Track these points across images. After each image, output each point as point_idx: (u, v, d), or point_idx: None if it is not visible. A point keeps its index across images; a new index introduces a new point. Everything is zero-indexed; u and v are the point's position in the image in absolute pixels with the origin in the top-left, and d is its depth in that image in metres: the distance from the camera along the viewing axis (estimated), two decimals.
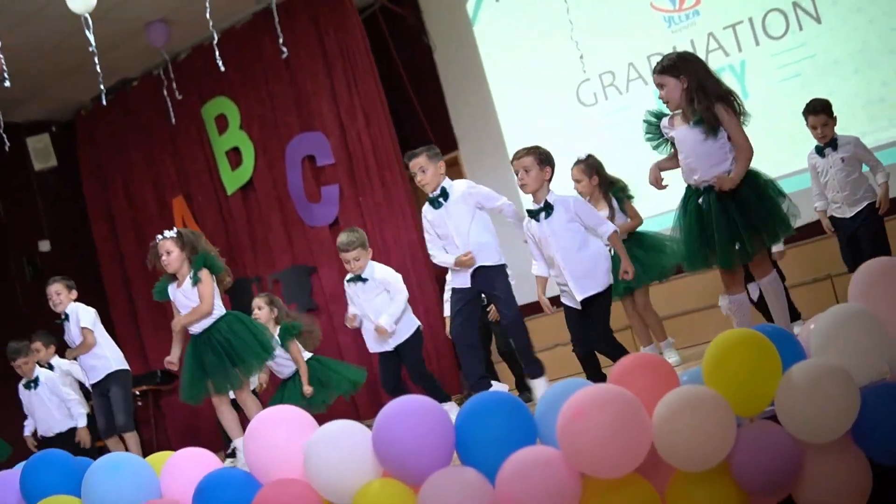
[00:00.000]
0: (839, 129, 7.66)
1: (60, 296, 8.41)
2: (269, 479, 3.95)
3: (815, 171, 7.79)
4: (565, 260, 6.39)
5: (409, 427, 3.71)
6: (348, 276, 7.65)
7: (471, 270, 6.86)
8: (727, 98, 5.59)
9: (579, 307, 6.44)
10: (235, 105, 11.99)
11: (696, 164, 5.63)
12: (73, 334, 8.43)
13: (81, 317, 8.40)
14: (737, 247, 5.56)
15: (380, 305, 7.53)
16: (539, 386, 6.81)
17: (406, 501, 3.74)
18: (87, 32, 9.77)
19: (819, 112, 7.58)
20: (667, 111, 5.86)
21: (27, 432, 9.44)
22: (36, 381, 9.07)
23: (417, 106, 11.42)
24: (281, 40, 10.79)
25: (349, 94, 11.18)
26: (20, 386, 9.16)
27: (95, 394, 8.53)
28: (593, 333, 6.51)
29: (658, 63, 5.78)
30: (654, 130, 5.91)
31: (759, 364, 3.66)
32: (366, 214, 11.06)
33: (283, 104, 11.65)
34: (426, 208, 7.06)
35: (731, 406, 3.59)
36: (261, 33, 11.64)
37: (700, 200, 5.68)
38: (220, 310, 7.19)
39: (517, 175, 6.49)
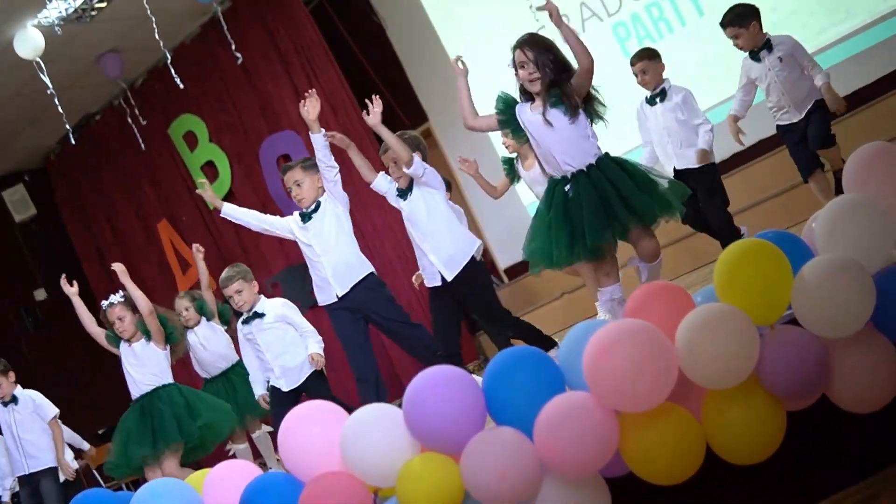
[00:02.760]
0: (777, 30, 7.44)
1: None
2: (310, 476, 3.96)
3: (749, 78, 7.45)
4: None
5: (437, 399, 3.71)
6: (242, 318, 7.38)
7: (336, 281, 6.75)
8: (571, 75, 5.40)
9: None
10: (201, 119, 12.00)
11: (557, 152, 5.45)
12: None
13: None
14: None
15: (276, 342, 7.23)
16: None
17: (450, 472, 3.74)
18: (42, 76, 9.78)
19: (725, 26, 7.36)
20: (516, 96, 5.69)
21: (5, 498, 9.33)
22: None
23: (381, 86, 11.39)
24: (233, 46, 10.80)
25: (311, 88, 11.11)
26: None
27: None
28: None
29: (519, 41, 5.60)
30: (510, 118, 5.69)
31: (770, 270, 3.66)
32: (353, 202, 11.00)
33: (248, 110, 11.64)
34: (295, 222, 6.90)
35: (750, 317, 3.60)
36: (213, 44, 11.63)
37: (567, 188, 5.47)
38: (163, 379, 7.17)
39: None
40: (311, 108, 6.50)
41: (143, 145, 12.00)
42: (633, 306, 3.81)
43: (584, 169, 5.40)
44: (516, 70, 5.53)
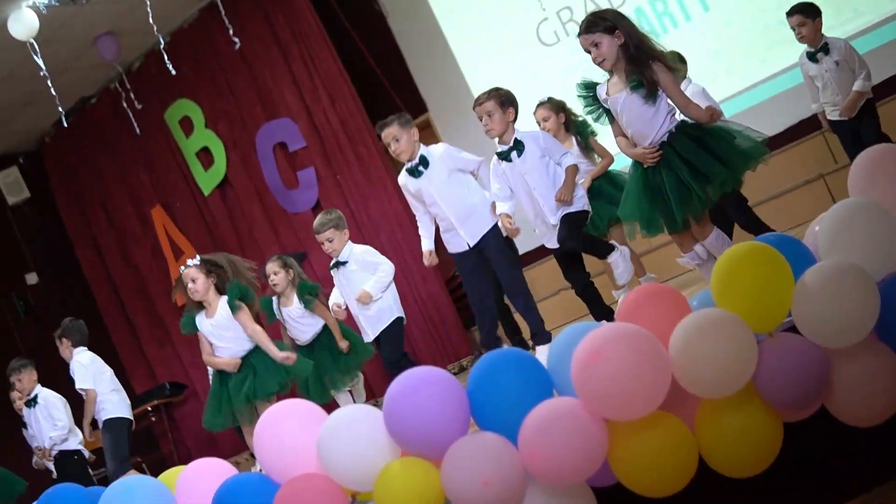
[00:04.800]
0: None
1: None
2: (286, 477, 3.80)
3: (809, 77, 7.77)
4: (544, 196, 6.24)
5: (419, 401, 3.55)
6: (332, 262, 7.52)
7: (464, 232, 6.64)
8: (662, 57, 5.26)
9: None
10: (197, 105, 11.81)
11: (644, 128, 5.33)
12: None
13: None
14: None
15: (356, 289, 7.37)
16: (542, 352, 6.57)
17: (430, 477, 3.59)
18: (35, 58, 9.62)
19: (792, 13, 7.58)
20: (594, 79, 5.54)
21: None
22: (35, 400, 8.91)
23: (380, 75, 11.23)
24: (231, 31, 10.65)
25: (309, 76, 11.01)
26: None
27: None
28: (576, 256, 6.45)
29: (585, 21, 5.40)
30: (592, 102, 5.56)
31: (770, 275, 3.50)
32: (346, 193, 10.91)
33: (244, 97, 11.48)
34: (405, 179, 6.80)
35: (747, 324, 3.44)
36: (210, 29, 11.45)
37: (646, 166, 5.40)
38: (249, 343, 7.18)
39: (481, 121, 6.32)
40: None
41: (138, 130, 11.83)
42: (626, 309, 3.64)
43: (666, 140, 5.31)
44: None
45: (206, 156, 11.91)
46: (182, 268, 7.23)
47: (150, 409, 11.96)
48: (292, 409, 3.95)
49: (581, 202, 6.31)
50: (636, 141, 5.44)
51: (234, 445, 11.09)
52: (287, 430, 3.84)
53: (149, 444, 12.54)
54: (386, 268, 7.37)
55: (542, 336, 6.52)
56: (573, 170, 6.28)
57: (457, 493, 3.50)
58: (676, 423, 3.50)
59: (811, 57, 7.65)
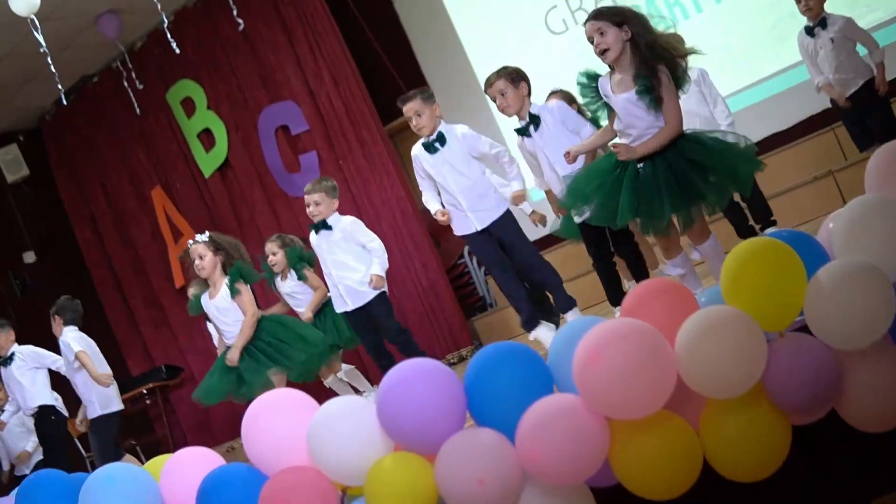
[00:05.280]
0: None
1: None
2: (274, 469, 3.67)
3: (807, 52, 7.68)
4: (565, 167, 6.05)
5: (414, 394, 3.42)
6: (313, 224, 7.39)
7: (473, 216, 6.54)
8: (672, 63, 5.05)
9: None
10: (200, 86, 11.70)
11: (637, 133, 5.13)
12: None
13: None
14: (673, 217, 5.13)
15: (344, 261, 7.27)
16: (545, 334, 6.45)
17: (423, 473, 3.46)
18: (36, 34, 9.48)
19: None
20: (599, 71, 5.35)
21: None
22: (11, 357, 8.92)
23: (385, 60, 11.09)
24: (235, 12, 10.53)
25: (314, 59, 10.87)
26: None
27: None
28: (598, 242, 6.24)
29: (596, 10, 5.24)
30: (592, 93, 5.34)
31: (782, 273, 3.34)
32: (348, 177, 10.80)
33: (247, 78, 11.36)
34: (420, 152, 6.67)
35: (757, 323, 3.29)
36: (214, 9, 11.34)
37: (640, 166, 5.15)
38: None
39: (495, 102, 6.22)
40: None
41: (138, 110, 11.72)
42: (632, 305, 3.50)
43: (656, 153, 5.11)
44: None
45: (207, 137, 11.82)
46: (190, 242, 7.17)
47: (145, 391, 11.86)
48: (283, 400, 3.82)
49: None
50: (627, 138, 5.26)
51: (229, 430, 11.01)
52: (277, 421, 3.71)
53: (143, 426, 12.46)
54: (378, 245, 7.30)
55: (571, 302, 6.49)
56: (593, 137, 6.05)
57: (450, 491, 3.37)
58: (681, 424, 3.37)
59: (808, 31, 7.57)
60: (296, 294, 8.05)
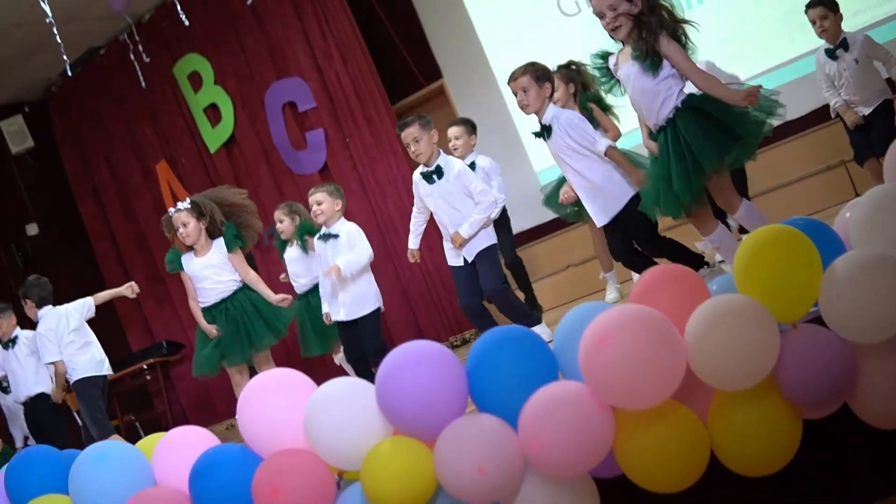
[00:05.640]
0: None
1: None
2: (270, 451, 3.58)
3: (826, 74, 7.47)
4: (575, 179, 6.00)
5: (414, 377, 3.31)
6: (320, 233, 7.36)
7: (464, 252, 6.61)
8: (673, 28, 4.97)
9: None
10: (207, 61, 11.59)
11: (644, 105, 5.11)
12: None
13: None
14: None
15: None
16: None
17: (422, 459, 3.36)
18: (42, 4, 9.38)
19: (815, 5, 7.26)
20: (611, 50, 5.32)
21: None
22: (14, 341, 8.76)
23: (396, 38, 10.97)
24: None
25: (322, 35, 10.74)
26: None
27: None
28: (633, 241, 6.07)
29: None
30: (606, 73, 5.32)
31: (797, 262, 3.23)
32: (355, 156, 10.69)
33: (255, 54, 11.23)
34: (419, 180, 6.75)
35: (770, 312, 3.19)
36: None
37: (658, 142, 5.15)
38: (237, 283, 7.15)
39: (516, 97, 6.08)
40: None
41: (143, 83, 11.59)
42: (641, 291, 3.39)
43: (664, 125, 5.10)
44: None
45: (213, 112, 11.71)
46: (171, 210, 7.05)
47: (145, 366, 11.76)
48: (280, 379, 3.72)
49: (623, 190, 5.95)
50: (643, 119, 5.26)
51: (229, 406, 10.91)
52: (273, 402, 3.61)
53: (143, 402, 12.41)
54: (363, 250, 7.21)
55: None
56: (615, 152, 5.91)
57: (449, 478, 3.27)
58: (688, 415, 3.26)
59: (830, 54, 7.36)
60: (297, 263, 8.08)
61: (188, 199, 7.16)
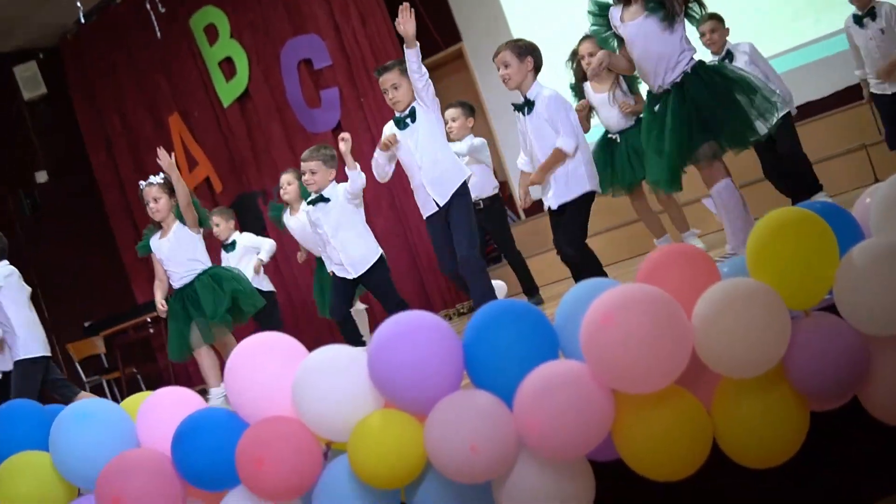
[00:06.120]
0: None
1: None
2: (256, 417, 3.46)
3: (853, 43, 7.35)
4: (545, 156, 6.00)
5: (409, 349, 3.18)
6: (310, 198, 7.13)
7: (432, 191, 6.35)
8: None
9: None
10: (224, 14, 11.44)
11: (650, 65, 5.01)
12: None
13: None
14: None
15: (348, 230, 7.02)
16: None
17: (412, 434, 3.23)
18: None
19: None
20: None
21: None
22: None
23: None
24: None
25: None
26: None
27: None
28: (562, 236, 6.09)
29: None
30: (603, 23, 5.23)
31: (813, 247, 3.08)
32: (369, 116, 10.54)
33: (272, 9, 11.09)
34: (391, 129, 6.48)
35: (783, 299, 3.04)
36: None
37: (657, 107, 5.05)
38: (203, 263, 6.96)
39: (499, 71, 6.07)
40: (407, 24, 6.13)
41: (158, 34, 11.48)
42: (648, 270, 3.25)
43: (669, 88, 5.01)
44: None
45: (228, 66, 11.58)
46: (142, 184, 6.90)
47: (149, 319, 11.68)
48: (271, 343, 3.58)
49: (582, 185, 6.00)
50: (645, 79, 5.15)
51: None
52: (262, 366, 3.47)
53: (145, 355, 12.37)
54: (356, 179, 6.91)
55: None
56: (557, 154, 5.96)
57: (439, 455, 3.15)
58: (692, 402, 3.13)
59: (858, 20, 7.23)
60: (301, 229, 7.93)
61: (161, 175, 6.98)
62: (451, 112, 7.80)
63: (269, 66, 11.19)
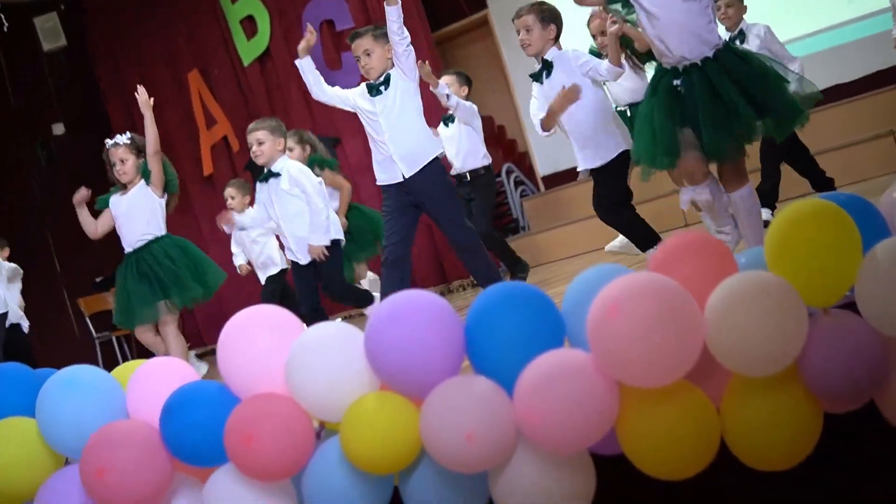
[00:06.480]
0: None
1: None
2: (248, 393, 3.33)
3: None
4: (569, 124, 5.76)
5: (408, 329, 3.04)
6: (261, 174, 6.89)
7: (401, 163, 6.15)
8: None
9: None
10: None
11: (672, 37, 4.66)
12: None
13: None
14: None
15: (296, 211, 6.75)
16: None
17: (407, 418, 3.10)
18: None
19: None
20: None
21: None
22: None
23: None
24: None
25: None
26: None
27: None
28: (597, 200, 5.90)
29: None
30: None
31: (835, 242, 2.91)
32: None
33: None
34: (361, 93, 6.30)
35: (800, 294, 2.89)
36: None
37: (677, 82, 4.71)
38: (158, 230, 6.71)
39: (518, 34, 5.82)
40: None
41: None
42: (661, 259, 3.09)
43: (699, 63, 4.66)
44: None
45: (249, 24, 11.49)
46: (109, 142, 6.69)
47: None
48: (268, 316, 3.45)
49: (615, 146, 5.81)
50: (661, 55, 4.77)
51: None
52: (257, 339, 3.33)
53: None
54: (316, 206, 6.68)
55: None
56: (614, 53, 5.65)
57: (434, 443, 3.02)
58: (700, 398, 2.98)
59: None
60: None
61: (128, 134, 6.78)
62: (446, 78, 7.66)
63: (290, 25, 11.08)
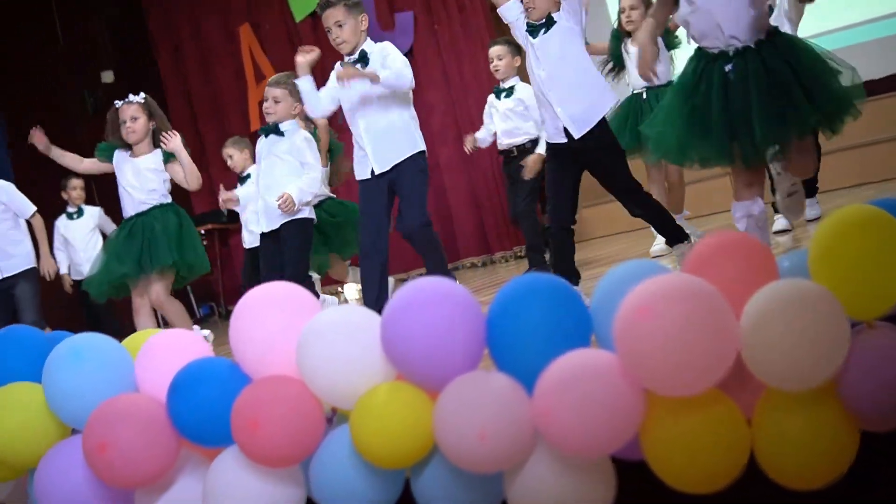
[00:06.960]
0: None
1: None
2: (259, 373, 3.20)
3: None
4: (557, 73, 5.33)
5: (427, 318, 2.89)
6: (264, 127, 6.71)
7: (372, 156, 5.80)
8: None
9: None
10: None
11: (723, 14, 4.21)
12: None
13: None
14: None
15: (279, 174, 6.57)
16: None
17: (421, 411, 2.95)
18: None
19: None
20: None
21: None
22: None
23: None
24: None
25: None
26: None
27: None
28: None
29: None
30: None
31: (883, 251, 2.71)
32: (441, 45, 10.30)
33: None
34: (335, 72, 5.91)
35: (843, 306, 2.70)
36: None
37: (727, 69, 4.24)
38: (164, 197, 6.57)
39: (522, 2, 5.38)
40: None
41: None
42: (696, 259, 2.91)
43: (753, 45, 4.24)
44: None
45: None
46: (118, 102, 6.55)
47: (203, 231, 11.53)
48: (284, 294, 3.31)
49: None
50: (702, 37, 4.34)
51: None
52: (271, 318, 3.20)
53: None
54: (315, 174, 6.56)
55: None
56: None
57: (447, 441, 2.87)
58: (731, 409, 2.80)
59: None
60: None
61: (142, 94, 6.64)
62: (496, 49, 7.21)
63: None
